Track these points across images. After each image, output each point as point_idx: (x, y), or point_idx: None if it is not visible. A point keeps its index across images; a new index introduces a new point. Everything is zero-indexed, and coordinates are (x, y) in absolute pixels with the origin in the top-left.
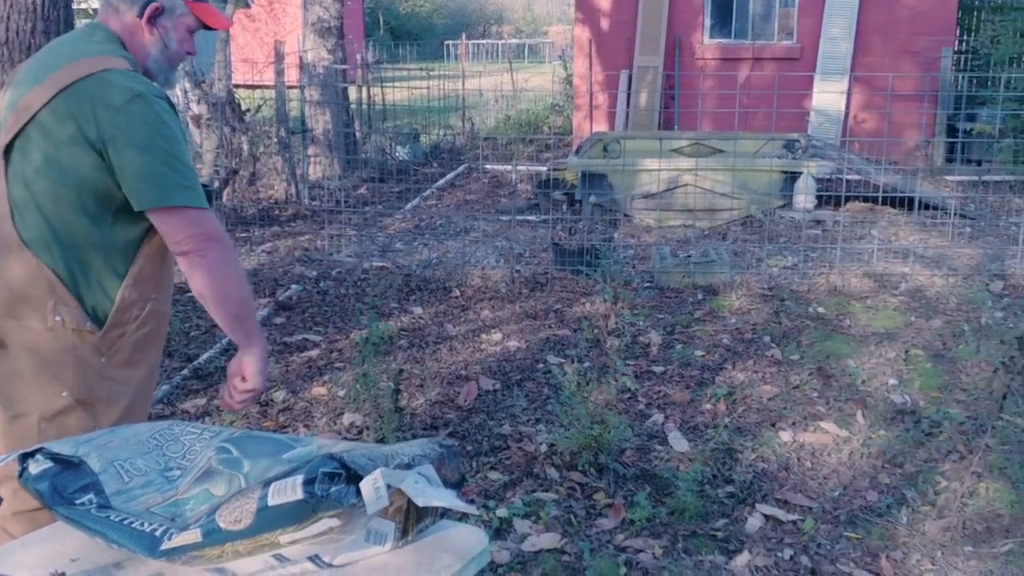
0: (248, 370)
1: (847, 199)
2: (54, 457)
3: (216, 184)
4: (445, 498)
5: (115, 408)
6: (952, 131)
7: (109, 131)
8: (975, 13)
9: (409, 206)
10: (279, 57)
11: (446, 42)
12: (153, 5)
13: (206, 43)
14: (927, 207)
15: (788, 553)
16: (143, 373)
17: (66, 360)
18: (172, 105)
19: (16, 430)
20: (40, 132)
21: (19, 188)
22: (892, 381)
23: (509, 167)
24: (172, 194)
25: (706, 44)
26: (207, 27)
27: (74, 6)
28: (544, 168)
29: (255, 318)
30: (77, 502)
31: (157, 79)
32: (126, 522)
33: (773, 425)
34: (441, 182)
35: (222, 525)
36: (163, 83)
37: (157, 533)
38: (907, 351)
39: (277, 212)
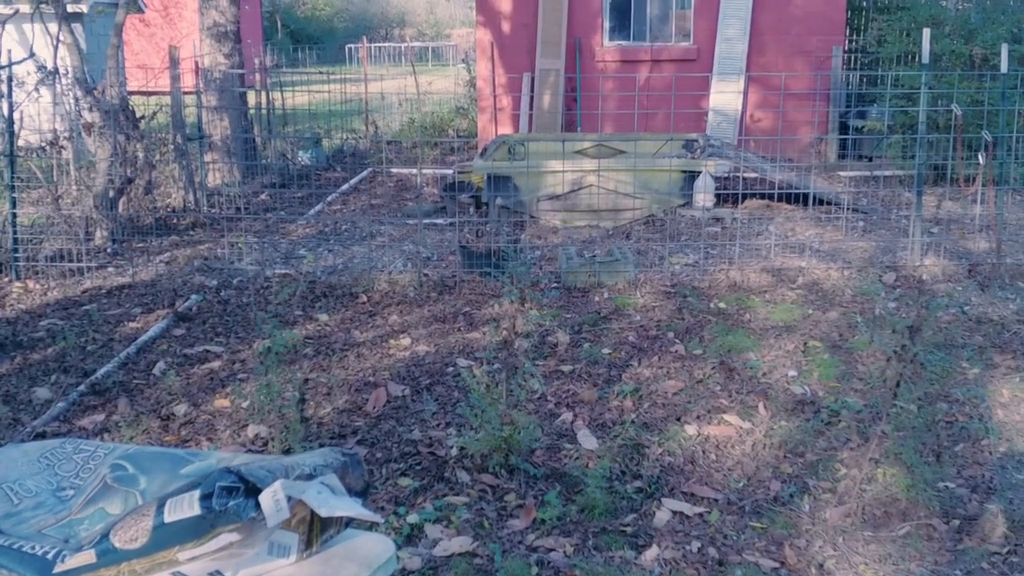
0: None
1: (745, 197)
2: None
3: (111, 194)
4: (349, 507)
5: None
6: (844, 128)
7: None
8: (863, 13)
9: (312, 211)
10: (174, 62)
11: (347, 46)
12: None
13: (98, 49)
14: (822, 203)
15: (696, 545)
16: None
17: None
18: None
19: None
20: None
21: None
22: (792, 373)
23: (414, 170)
24: None
25: (606, 46)
26: None
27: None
28: (450, 171)
29: None
30: None
31: None
32: (15, 546)
33: (678, 419)
34: (345, 187)
35: (117, 544)
36: None
37: (49, 556)
38: (805, 343)
39: (175, 221)
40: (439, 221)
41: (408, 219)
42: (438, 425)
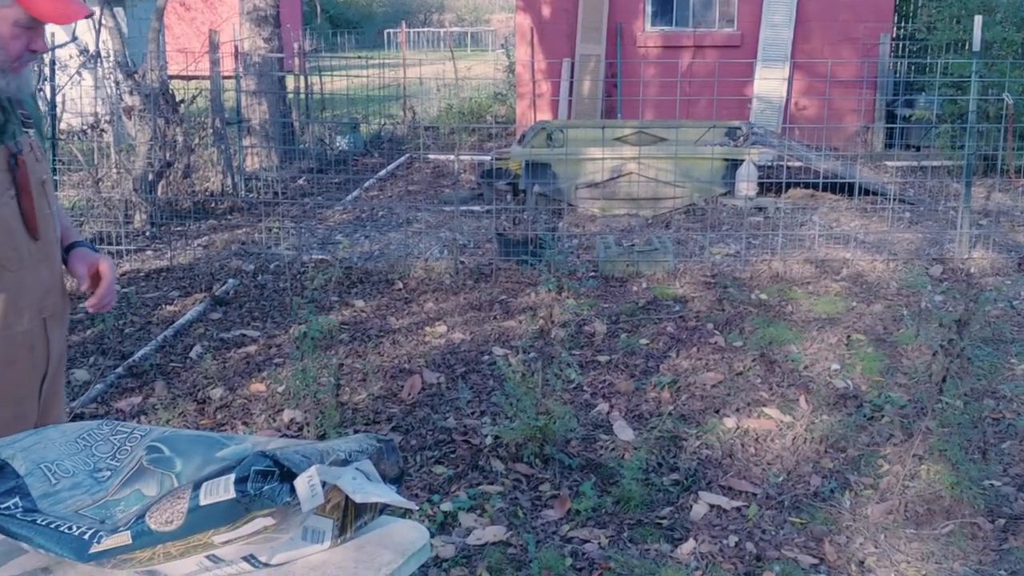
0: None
1: (788, 186)
2: None
3: (150, 177)
4: (383, 494)
5: None
6: (891, 117)
7: None
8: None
9: (350, 197)
10: (214, 47)
11: (386, 31)
12: None
13: (139, 33)
14: (867, 193)
15: (733, 540)
16: None
17: None
18: None
19: None
20: None
21: None
22: (834, 366)
23: (452, 157)
24: None
25: (647, 32)
26: (40, 21)
27: None
28: (487, 157)
29: None
30: (1, 506)
31: None
32: (53, 526)
33: (717, 412)
34: (382, 172)
35: (153, 527)
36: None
37: (86, 536)
38: (849, 336)
39: (213, 205)
40: (476, 208)
41: (445, 206)
42: (473, 413)
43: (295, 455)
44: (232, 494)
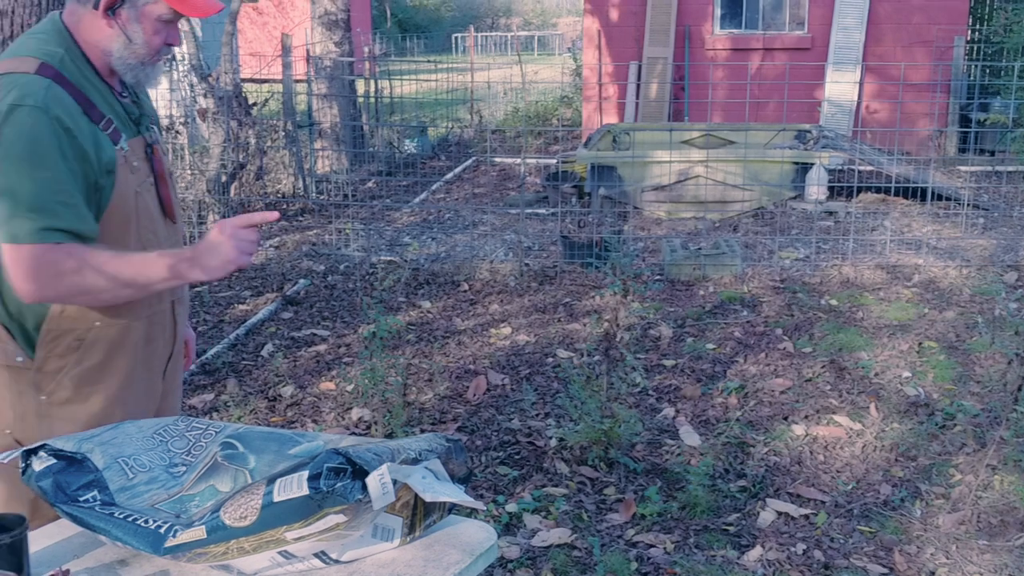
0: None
1: (859, 190)
2: (57, 454)
3: (223, 179)
4: (452, 493)
5: None
6: (965, 121)
7: None
8: (987, 2)
9: (417, 200)
10: (286, 50)
11: (454, 35)
12: None
13: (213, 37)
14: (940, 198)
15: (801, 548)
16: (96, 409)
17: (4, 396)
18: (62, 112)
19: None
20: None
21: None
22: (906, 373)
23: (518, 160)
24: None
25: (716, 35)
26: (182, 15)
27: None
28: (553, 160)
29: (146, 278)
30: (81, 499)
31: (125, 77)
32: (130, 519)
33: (785, 418)
34: (449, 175)
35: (227, 521)
36: (134, 81)
37: (162, 530)
38: (920, 343)
39: (284, 206)
40: (541, 211)
41: (510, 208)
42: (537, 415)
43: (367, 453)
44: (305, 491)
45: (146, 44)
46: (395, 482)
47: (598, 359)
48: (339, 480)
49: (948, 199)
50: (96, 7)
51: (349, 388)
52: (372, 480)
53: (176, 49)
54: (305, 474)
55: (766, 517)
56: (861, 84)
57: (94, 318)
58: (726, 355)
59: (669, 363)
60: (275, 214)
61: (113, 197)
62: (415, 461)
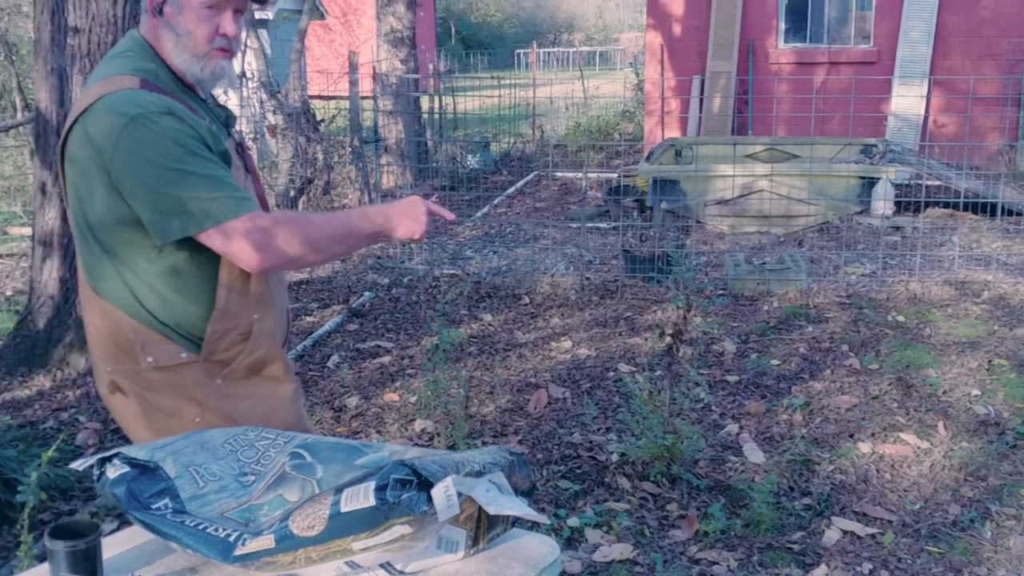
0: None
1: (927, 205)
2: (131, 462)
3: (292, 193)
4: (516, 507)
5: (250, 420)
6: None
7: (115, 170)
8: None
9: (479, 214)
10: (353, 68)
11: (517, 51)
12: None
13: (282, 54)
14: (1010, 213)
15: (867, 567)
16: (267, 384)
17: (181, 393)
18: (182, 113)
19: None
20: (70, 163)
21: (75, 219)
22: (975, 392)
23: (579, 174)
24: (184, 226)
25: (780, 49)
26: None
27: None
28: (614, 175)
29: (354, 228)
30: (153, 507)
31: (188, 77)
32: (201, 527)
33: (851, 436)
34: (511, 190)
35: (295, 531)
36: (195, 81)
37: (231, 539)
38: (990, 361)
39: None
40: (602, 225)
41: (571, 222)
42: (598, 430)
43: (432, 465)
44: (372, 501)
45: (192, 34)
46: (459, 494)
47: (659, 374)
48: (405, 491)
49: (1019, 214)
50: (148, 10)
51: (412, 400)
52: (437, 492)
53: (247, 67)
54: (372, 485)
55: (831, 536)
56: (928, 98)
57: (251, 312)
58: (791, 371)
59: (732, 379)
60: (452, 215)
61: None
62: (479, 474)
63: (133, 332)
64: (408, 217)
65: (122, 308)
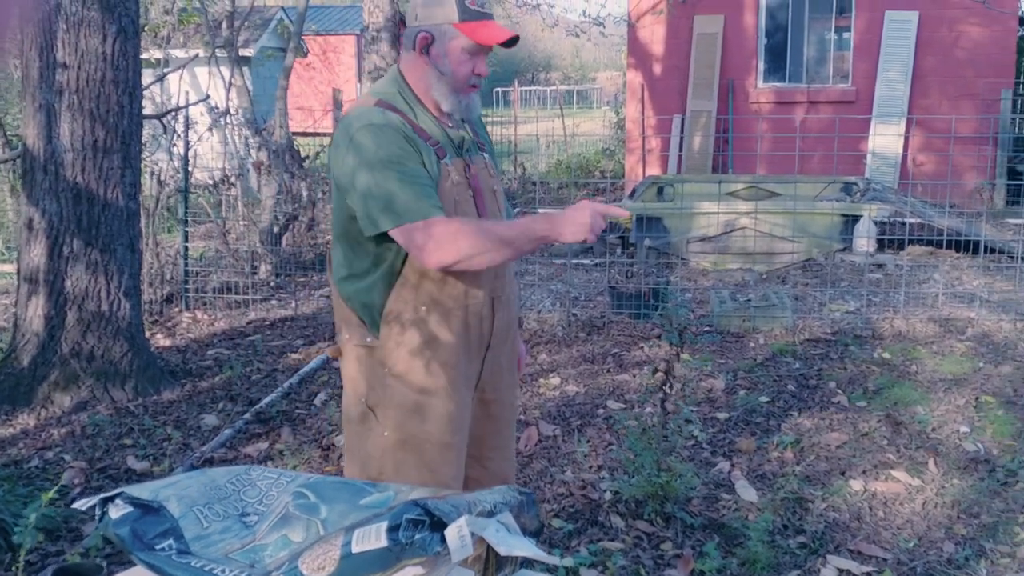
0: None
1: (908, 242)
2: (134, 502)
3: (276, 230)
4: (525, 547)
5: (395, 411)
6: (1013, 174)
7: (336, 173)
8: None
9: None
10: (337, 104)
11: (496, 89)
12: (421, 35)
13: (263, 91)
14: (990, 251)
15: None
16: (422, 378)
17: (361, 370)
18: (401, 125)
19: (345, 433)
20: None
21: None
22: (964, 428)
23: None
24: (377, 221)
25: (760, 88)
26: (483, 46)
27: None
28: None
29: (524, 230)
30: (157, 547)
31: (443, 106)
32: (206, 568)
33: (843, 473)
34: None
35: (305, 572)
36: (452, 109)
37: None
38: (977, 398)
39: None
40: (585, 261)
41: (556, 259)
42: (590, 467)
43: (445, 505)
44: (384, 542)
45: (453, 74)
46: (473, 535)
47: (650, 411)
48: (418, 532)
49: (999, 252)
50: (415, 49)
51: None
52: (451, 532)
53: (230, 104)
54: (384, 525)
55: (827, 574)
56: (907, 137)
57: (420, 304)
58: (780, 408)
59: (722, 416)
60: (627, 213)
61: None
62: (490, 514)
63: (340, 309)
64: (574, 221)
65: (337, 286)
